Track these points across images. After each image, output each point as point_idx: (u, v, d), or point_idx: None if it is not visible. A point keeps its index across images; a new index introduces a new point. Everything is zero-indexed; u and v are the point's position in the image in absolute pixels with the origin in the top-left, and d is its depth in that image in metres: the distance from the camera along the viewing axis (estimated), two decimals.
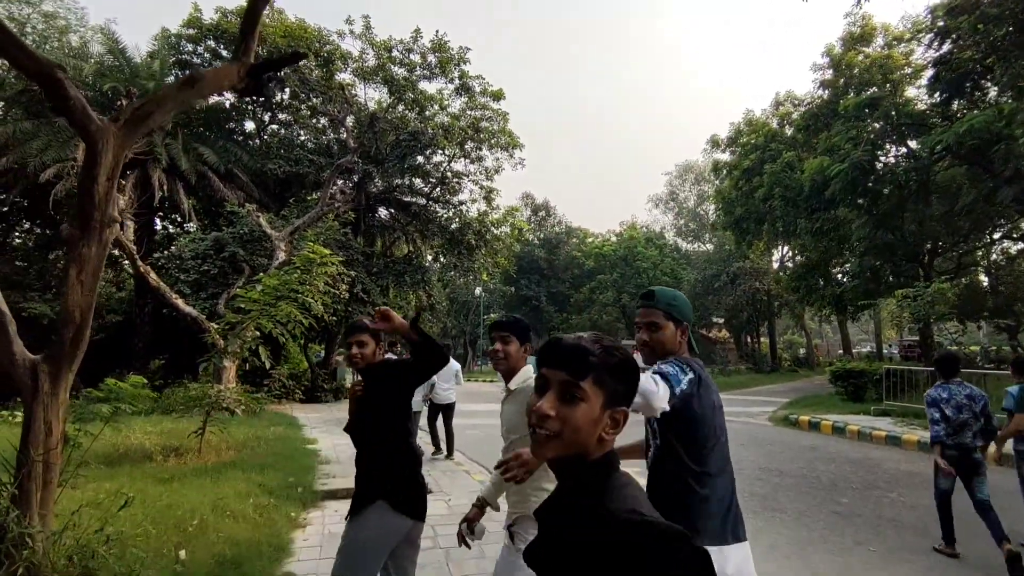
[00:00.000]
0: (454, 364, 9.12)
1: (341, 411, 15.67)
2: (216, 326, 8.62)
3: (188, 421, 9.25)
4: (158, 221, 20.57)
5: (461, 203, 20.49)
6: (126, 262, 13.77)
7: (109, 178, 2.96)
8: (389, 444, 2.68)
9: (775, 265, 38.33)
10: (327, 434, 11.51)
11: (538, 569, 1.07)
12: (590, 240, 45.04)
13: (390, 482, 2.61)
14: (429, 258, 20.58)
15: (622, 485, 1.02)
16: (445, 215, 20.19)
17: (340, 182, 16.79)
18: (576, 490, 1.04)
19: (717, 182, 37.84)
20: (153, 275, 12.41)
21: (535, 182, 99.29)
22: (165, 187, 14.89)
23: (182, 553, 4.20)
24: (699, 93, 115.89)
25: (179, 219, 19.12)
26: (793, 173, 21.32)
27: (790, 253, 42.19)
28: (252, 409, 10.72)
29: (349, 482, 6.70)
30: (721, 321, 43.95)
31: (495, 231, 20.00)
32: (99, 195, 2.94)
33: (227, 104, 18.85)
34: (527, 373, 2.56)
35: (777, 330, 42.80)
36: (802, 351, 44.36)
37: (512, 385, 2.53)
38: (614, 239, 43.21)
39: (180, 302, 12.54)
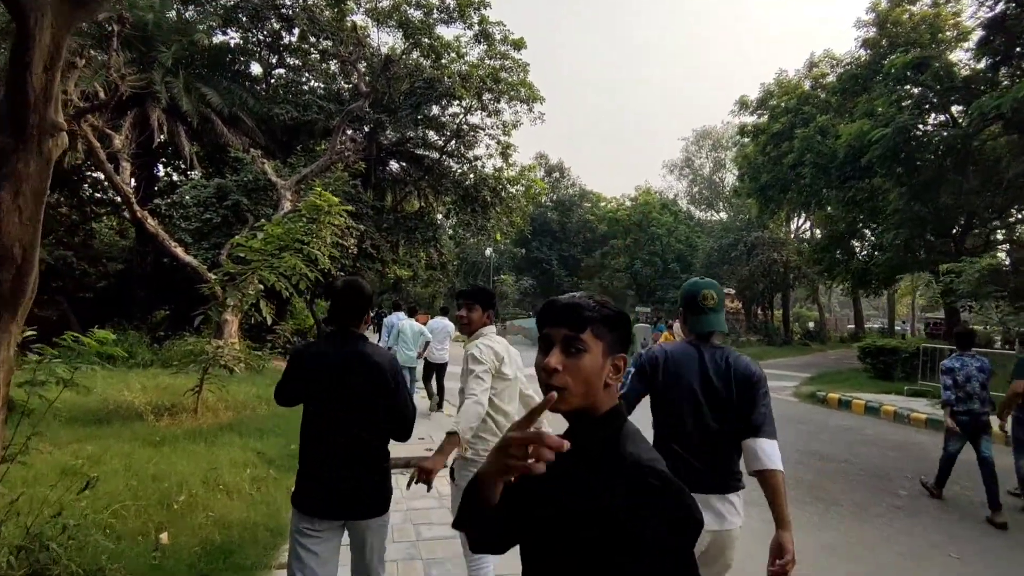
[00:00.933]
0: (448, 325, 9.70)
1: None
2: (215, 276, 7.93)
3: (186, 377, 8.68)
4: (160, 168, 19.76)
5: (476, 158, 19.54)
6: (125, 211, 13.02)
7: (48, 68, 2.21)
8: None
9: (792, 236, 37.23)
10: None
11: (558, 522, 1.08)
12: (603, 204, 43.87)
13: None
14: (441, 215, 19.74)
15: (634, 432, 1.13)
16: (459, 170, 19.27)
17: (350, 131, 15.85)
18: (593, 440, 1.10)
19: (740, 147, 36.57)
20: (151, 221, 11.71)
21: (548, 142, 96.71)
22: (165, 128, 14.01)
23: (163, 537, 3.60)
24: (725, 57, 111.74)
25: (182, 166, 18.27)
26: (825, 139, 20.19)
27: (807, 225, 41.16)
28: (254, 367, 10.16)
29: None
30: (732, 291, 43.19)
31: (511, 189, 19.08)
32: (34, 91, 2.19)
33: (232, 43, 17.74)
34: (480, 334, 2.89)
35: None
36: (811, 324, 43.58)
37: (474, 350, 2.80)
38: (628, 203, 41.99)
39: (180, 251, 11.87)
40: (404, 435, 2.49)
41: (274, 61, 18.21)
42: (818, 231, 36.66)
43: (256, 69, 19.36)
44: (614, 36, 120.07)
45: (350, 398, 2.37)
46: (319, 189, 7.64)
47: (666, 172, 61.35)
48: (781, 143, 21.70)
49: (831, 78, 22.93)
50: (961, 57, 17.78)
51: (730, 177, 59.02)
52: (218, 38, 17.79)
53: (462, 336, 3.28)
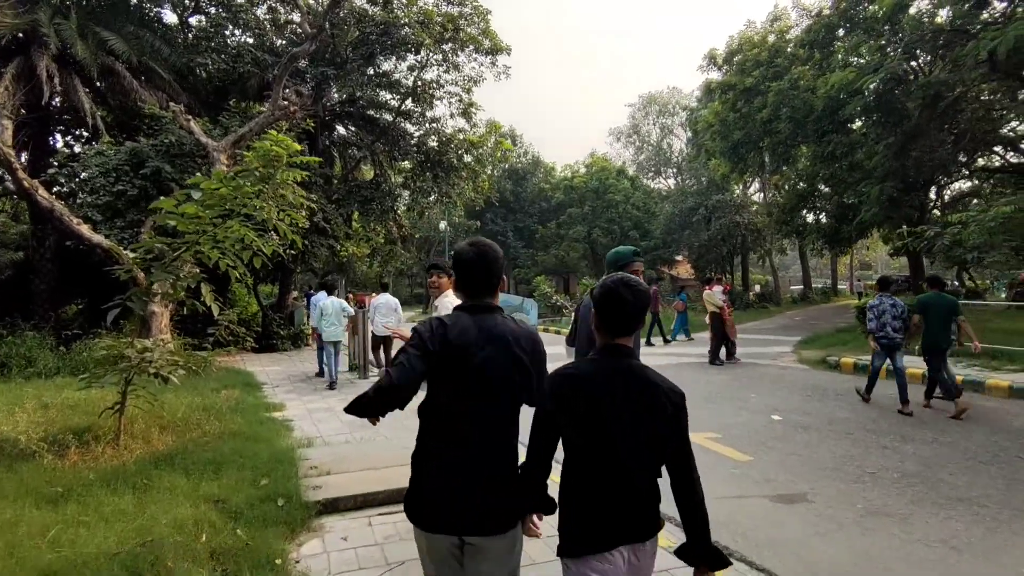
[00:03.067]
0: (391, 300, 10.42)
1: (304, 362, 13.15)
2: (134, 256, 5.87)
3: (104, 390, 6.60)
4: (59, 139, 16.66)
5: (435, 120, 17.49)
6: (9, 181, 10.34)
7: None
8: None
9: (757, 198, 37.08)
10: (296, 396, 9.08)
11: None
12: (558, 173, 42.46)
13: None
14: (399, 182, 17.67)
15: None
16: (418, 133, 17.19)
17: (294, 85, 13.49)
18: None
19: (701, 106, 35.74)
20: (43, 192, 9.28)
21: (497, 108, 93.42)
22: (57, 81, 11.28)
23: None
24: (677, 21, 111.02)
25: (85, 134, 15.30)
26: (799, 93, 19.35)
27: (757, 187, 41.13)
28: (195, 370, 8.11)
29: (353, 483, 4.44)
30: (681, 258, 42.91)
31: (479, 150, 17.19)
32: None
33: None
34: (446, 294, 4.05)
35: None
36: (757, 287, 43.98)
37: (436, 303, 4.11)
38: (583, 170, 40.76)
39: (85, 229, 9.51)
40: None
41: (189, 3, 15.37)
42: (776, 193, 36.74)
43: (170, 18, 16.45)
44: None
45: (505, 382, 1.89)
46: (273, 133, 5.66)
47: (612, 140, 60.05)
48: (753, 98, 20.74)
49: (796, 31, 22.12)
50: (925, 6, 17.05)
51: (678, 143, 59.05)
52: None
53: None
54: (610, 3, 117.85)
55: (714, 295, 13.20)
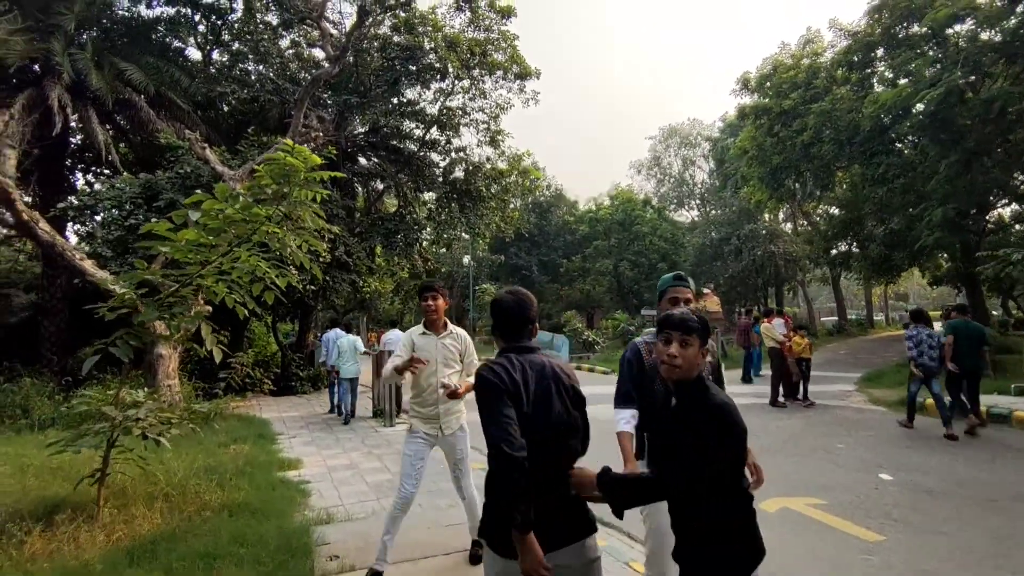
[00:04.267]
0: (401, 335, 10.79)
1: (323, 405, 12.15)
2: (125, 288, 4.96)
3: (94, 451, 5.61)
4: (79, 177, 16.28)
5: (461, 149, 16.79)
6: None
7: None
8: None
9: (786, 227, 35.77)
10: (315, 449, 8.02)
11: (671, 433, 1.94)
12: (581, 206, 41.72)
13: None
14: (424, 214, 16.89)
15: (711, 388, 1.94)
16: (443, 162, 16.48)
17: (315, 119, 12.88)
18: (691, 393, 1.91)
19: (725, 136, 34.88)
20: (44, 225, 8.55)
21: (518, 140, 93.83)
22: (70, 111, 10.76)
23: None
24: (693, 52, 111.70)
25: (106, 172, 14.82)
26: (842, 113, 18.37)
27: (793, 213, 39.70)
28: (204, 422, 7.17)
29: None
30: (708, 291, 41.39)
31: (507, 180, 16.37)
32: None
33: (151, 15, 14.29)
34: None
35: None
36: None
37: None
38: (607, 202, 39.91)
39: (88, 264, 8.73)
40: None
41: (212, 38, 15.00)
42: (805, 222, 35.41)
43: (195, 55, 16.12)
44: (578, 32, 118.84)
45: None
46: (288, 142, 4.77)
47: (633, 172, 59.52)
48: (791, 122, 19.77)
49: (829, 54, 21.27)
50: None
51: (700, 174, 58.30)
52: (143, 9, 14.57)
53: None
54: (623, 40, 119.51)
55: (774, 329, 11.99)
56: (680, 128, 58.12)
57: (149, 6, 14.32)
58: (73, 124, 11.18)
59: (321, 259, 11.06)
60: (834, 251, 23.74)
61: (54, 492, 4.93)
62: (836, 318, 42.30)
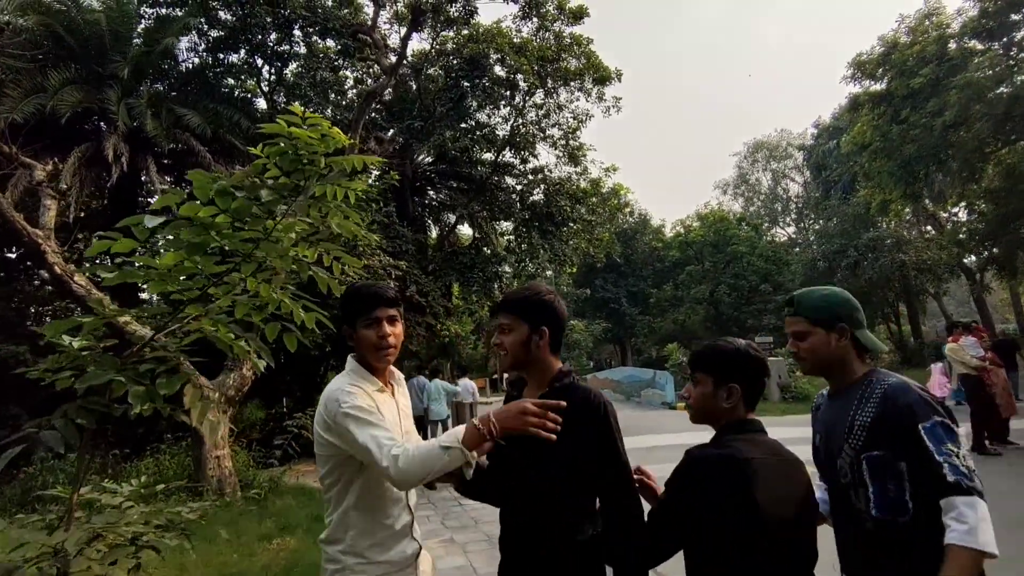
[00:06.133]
0: (470, 384, 11.71)
1: None
2: (77, 341, 3.36)
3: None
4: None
5: (538, 170, 15.17)
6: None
7: None
8: None
9: (911, 232, 31.30)
10: None
11: None
12: (669, 231, 39.04)
13: None
14: (503, 245, 15.27)
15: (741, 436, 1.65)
16: (519, 186, 14.90)
17: (373, 141, 11.70)
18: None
19: (822, 142, 31.40)
20: (79, 279, 7.51)
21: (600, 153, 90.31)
22: (125, 160, 10.09)
23: None
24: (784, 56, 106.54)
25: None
26: (991, 84, 15.21)
27: (919, 215, 34.83)
28: (258, 499, 5.58)
29: None
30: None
31: (592, 200, 14.53)
32: None
33: (213, 59, 13.81)
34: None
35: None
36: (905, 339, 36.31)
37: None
38: (696, 224, 36.99)
39: (127, 319, 7.57)
40: None
41: (275, 79, 14.40)
42: (934, 222, 30.86)
43: (260, 103, 15.66)
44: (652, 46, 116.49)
45: None
46: (296, 107, 3.08)
47: (719, 193, 55.93)
48: (925, 102, 16.71)
49: (956, 26, 18.06)
50: None
51: (795, 187, 53.89)
52: (193, 58, 14.19)
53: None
54: (699, 57, 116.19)
55: (963, 349, 9.03)
56: (767, 141, 54.53)
57: (215, 52, 13.87)
58: (126, 171, 10.49)
59: (353, 273, 9.44)
60: (985, 253, 19.83)
61: None
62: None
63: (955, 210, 30.18)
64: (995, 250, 18.54)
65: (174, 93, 12.58)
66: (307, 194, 3.11)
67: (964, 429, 8.04)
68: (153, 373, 3.09)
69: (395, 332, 2.07)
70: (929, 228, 32.51)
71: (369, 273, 9.45)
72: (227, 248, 2.96)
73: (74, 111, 10.44)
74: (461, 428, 1.68)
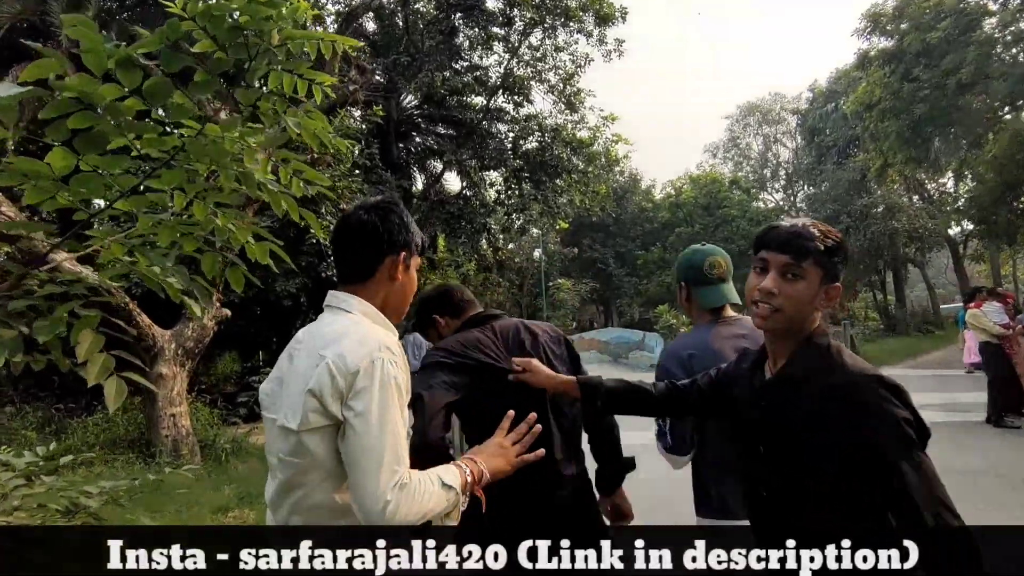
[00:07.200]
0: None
1: None
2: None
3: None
4: None
5: (531, 117, 14.15)
6: None
7: None
8: None
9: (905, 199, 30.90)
10: None
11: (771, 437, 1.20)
12: (659, 192, 38.25)
13: None
14: (492, 196, 14.38)
15: (844, 351, 1.18)
16: (512, 133, 13.91)
17: (354, 70, 10.56)
18: (810, 361, 1.17)
19: (817, 106, 30.62)
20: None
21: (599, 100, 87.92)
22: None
23: None
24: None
25: None
26: (1009, 43, 14.45)
27: (909, 183, 34.44)
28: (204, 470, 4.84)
29: None
30: None
31: (587, 150, 13.64)
32: None
33: None
34: None
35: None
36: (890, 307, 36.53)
37: None
38: (687, 187, 36.27)
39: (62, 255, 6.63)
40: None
41: None
42: (916, 195, 30.54)
43: None
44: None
45: None
46: None
47: (708, 156, 54.87)
48: (939, 60, 15.89)
49: None
50: None
51: (785, 152, 53.22)
52: None
53: None
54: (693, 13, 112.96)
55: (983, 315, 8.52)
56: (760, 104, 53.46)
57: None
58: None
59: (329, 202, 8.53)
60: (983, 224, 19.42)
61: None
62: (962, 304, 36.70)
63: (943, 180, 29.91)
64: (995, 219, 18.09)
65: (127, 14, 11.25)
66: (252, 79, 2.18)
67: (972, 398, 7.60)
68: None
69: None
70: (916, 198, 32.23)
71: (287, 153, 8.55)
72: (140, 148, 2.06)
73: (13, 25, 9.41)
74: (457, 469, 1.29)
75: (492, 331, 1.82)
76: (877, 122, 17.92)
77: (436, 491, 1.20)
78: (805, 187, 45.07)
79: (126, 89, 1.73)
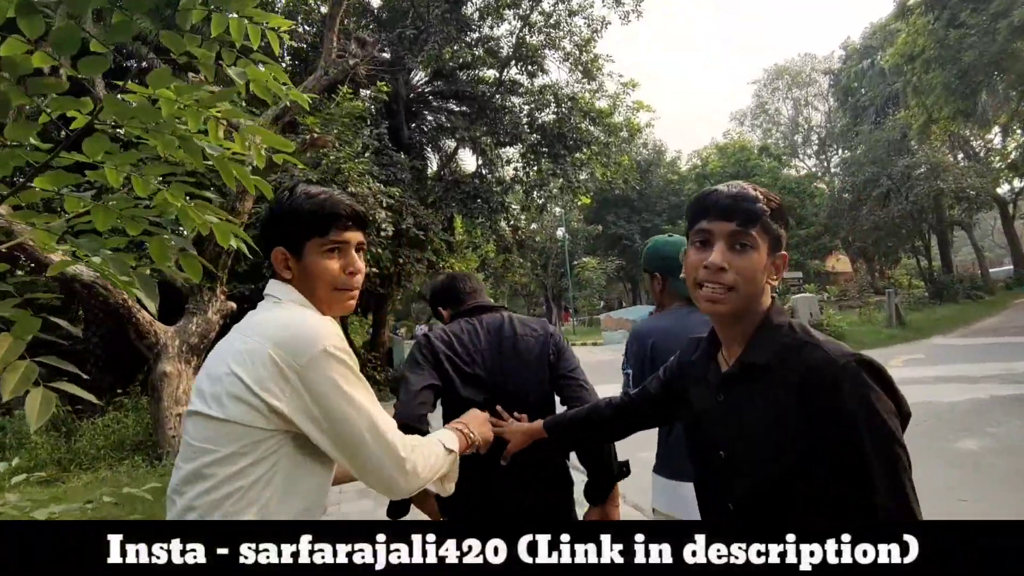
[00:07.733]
0: None
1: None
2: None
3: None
4: None
5: (545, 88, 13.51)
6: None
7: None
8: None
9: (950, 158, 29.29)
10: (372, 503, 5.18)
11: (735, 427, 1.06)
12: (685, 164, 37.06)
13: None
14: (509, 173, 13.84)
15: (809, 329, 1.05)
16: (528, 106, 13.31)
17: (354, 43, 10.06)
18: (772, 345, 1.03)
19: (852, 63, 29.10)
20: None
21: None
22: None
23: None
24: None
25: None
26: None
27: (954, 140, 32.59)
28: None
29: None
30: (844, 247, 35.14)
31: (606, 120, 12.97)
32: None
33: None
34: None
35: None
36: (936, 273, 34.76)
37: None
38: (715, 157, 35.03)
39: (61, 258, 6.39)
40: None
41: None
42: (961, 153, 28.81)
43: None
44: None
45: None
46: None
47: (736, 124, 52.90)
48: (989, 2, 14.65)
49: None
50: None
51: (817, 115, 51.09)
52: None
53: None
54: None
55: None
56: (789, 67, 51.22)
57: None
58: None
59: (382, 236, 8.31)
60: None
61: None
62: (1012, 267, 34.70)
63: (990, 136, 28.06)
64: None
65: None
66: (183, 22, 1.71)
67: None
68: None
69: (361, 268, 1.45)
70: (960, 156, 30.48)
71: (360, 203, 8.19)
72: (49, 111, 1.64)
73: None
74: (452, 433, 1.42)
75: (478, 324, 1.86)
76: (920, 74, 16.75)
77: (441, 452, 1.31)
78: (840, 151, 43.25)
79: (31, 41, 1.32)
